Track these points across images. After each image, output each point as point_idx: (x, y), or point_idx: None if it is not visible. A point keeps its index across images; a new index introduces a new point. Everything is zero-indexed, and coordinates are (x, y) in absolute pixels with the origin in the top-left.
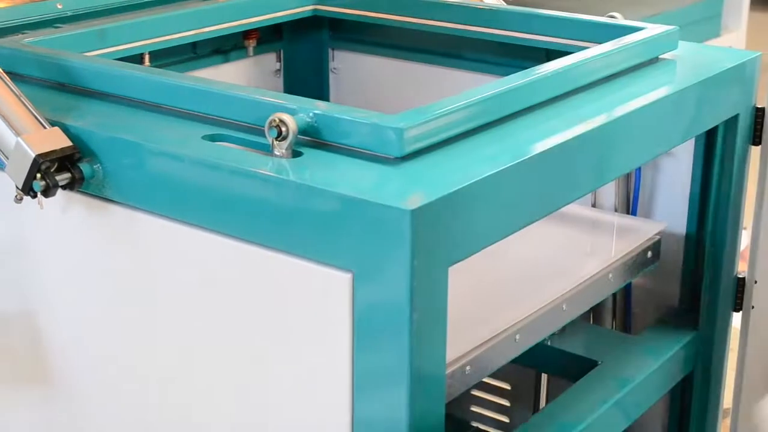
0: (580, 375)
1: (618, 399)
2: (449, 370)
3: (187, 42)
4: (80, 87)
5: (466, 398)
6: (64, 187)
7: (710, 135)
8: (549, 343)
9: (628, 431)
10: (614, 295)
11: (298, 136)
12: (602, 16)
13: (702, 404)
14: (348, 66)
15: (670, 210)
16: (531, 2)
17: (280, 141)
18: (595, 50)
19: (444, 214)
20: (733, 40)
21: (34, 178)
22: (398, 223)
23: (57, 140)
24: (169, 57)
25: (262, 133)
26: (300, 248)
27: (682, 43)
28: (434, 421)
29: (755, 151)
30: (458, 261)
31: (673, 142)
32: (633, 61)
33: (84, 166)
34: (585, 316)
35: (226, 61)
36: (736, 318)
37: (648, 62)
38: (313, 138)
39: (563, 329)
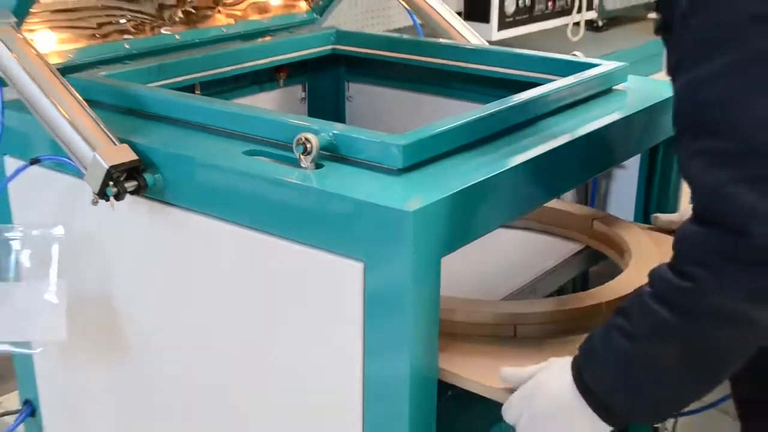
0: None
1: None
2: None
3: (230, 75)
4: (144, 111)
5: None
6: (131, 193)
7: (653, 151)
8: None
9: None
10: (574, 280)
11: (320, 151)
12: (567, 54)
13: None
14: (360, 95)
15: (621, 211)
16: (508, 43)
17: (305, 156)
18: (560, 82)
19: (439, 214)
20: None
21: (107, 185)
22: (401, 222)
23: (125, 154)
24: (216, 87)
25: (291, 149)
26: (321, 242)
27: (631, 77)
28: (430, 377)
29: None
30: (450, 252)
31: (623, 157)
32: (591, 91)
33: (147, 176)
34: None
35: (261, 90)
36: None
37: (603, 92)
38: (332, 153)
39: None
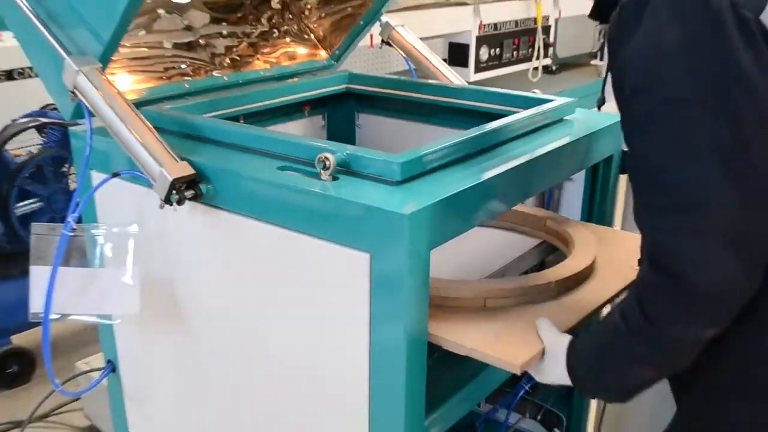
0: None
1: None
2: None
3: (266, 108)
4: (200, 136)
5: None
6: (190, 199)
7: (595, 168)
8: None
9: None
10: (533, 267)
11: (336, 167)
12: (528, 92)
13: None
14: (368, 123)
15: (570, 213)
16: (483, 83)
17: (325, 170)
18: (522, 114)
19: (429, 216)
20: (611, 108)
21: (171, 193)
22: (400, 222)
23: (185, 170)
24: (255, 117)
25: (313, 166)
26: (337, 238)
27: (578, 110)
28: (421, 340)
29: (623, 178)
30: (437, 246)
31: (571, 172)
32: (546, 121)
33: (202, 186)
34: None
35: (290, 120)
36: None
37: (556, 122)
38: (345, 168)
39: None
